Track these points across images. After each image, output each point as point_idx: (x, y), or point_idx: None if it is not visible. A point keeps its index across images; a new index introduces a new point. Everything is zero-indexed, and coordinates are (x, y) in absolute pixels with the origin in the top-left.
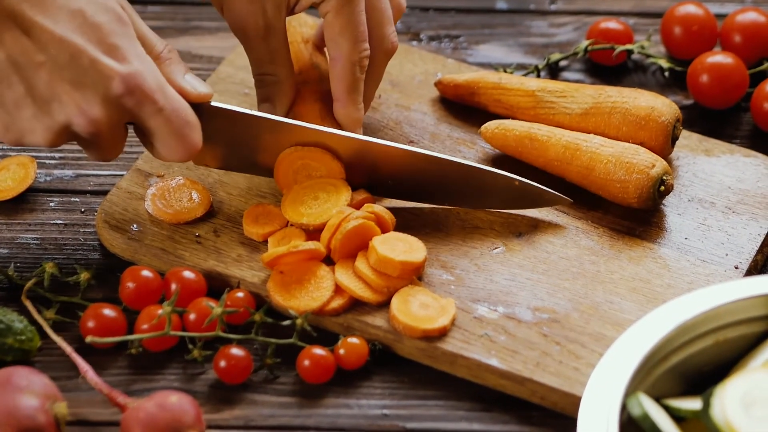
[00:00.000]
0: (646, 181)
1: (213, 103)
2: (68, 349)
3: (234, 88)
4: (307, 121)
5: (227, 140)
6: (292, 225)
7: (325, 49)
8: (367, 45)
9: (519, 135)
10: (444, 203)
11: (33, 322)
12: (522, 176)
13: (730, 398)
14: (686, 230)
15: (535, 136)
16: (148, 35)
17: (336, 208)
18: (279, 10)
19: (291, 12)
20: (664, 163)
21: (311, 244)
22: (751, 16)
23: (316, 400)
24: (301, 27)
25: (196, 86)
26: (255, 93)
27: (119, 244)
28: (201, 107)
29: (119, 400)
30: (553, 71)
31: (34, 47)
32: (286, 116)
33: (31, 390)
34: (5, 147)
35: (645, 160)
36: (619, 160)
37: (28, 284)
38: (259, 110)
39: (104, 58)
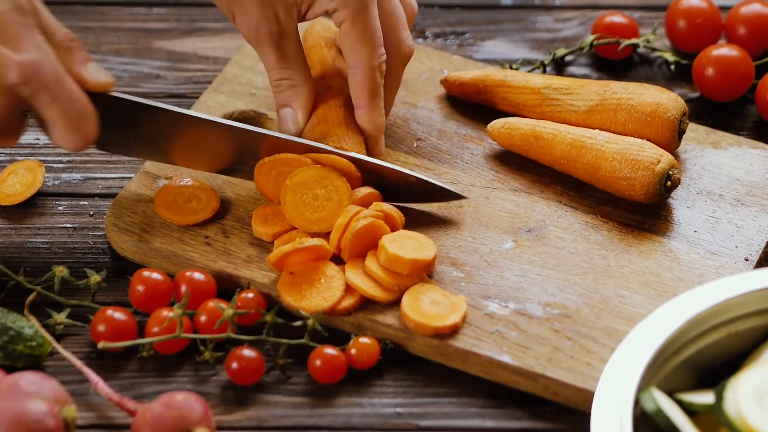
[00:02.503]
0: (652, 178)
1: (113, 93)
2: (78, 363)
3: (240, 89)
4: (329, 127)
5: (129, 128)
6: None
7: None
8: (383, 50)
9: (524, 133)
10: None
11: (42, 326)
12: (530, 172)
13: (743, 391)
14: (695, 223)
15: (541, 134)
16: (50, 23)
17: (344, 205)
18: (290, 15)
19: (302, 19)
20: (670, 157)
21: (316, 241)
22: (755, 7)
23: (328, 400)
24: (325, 32)
25: (96, 75)
26: (261, 93)
27: (129, 247)
28: (101, 96)
29: (129, 406)
30: (559, 66)
31: None
32: (307, 121)
33: (39, 395)
34: (12, 152)
35: (650, 156)
36: (624, 157)
37: (31, 297)
38: (279, 117)
39: (1, 47)
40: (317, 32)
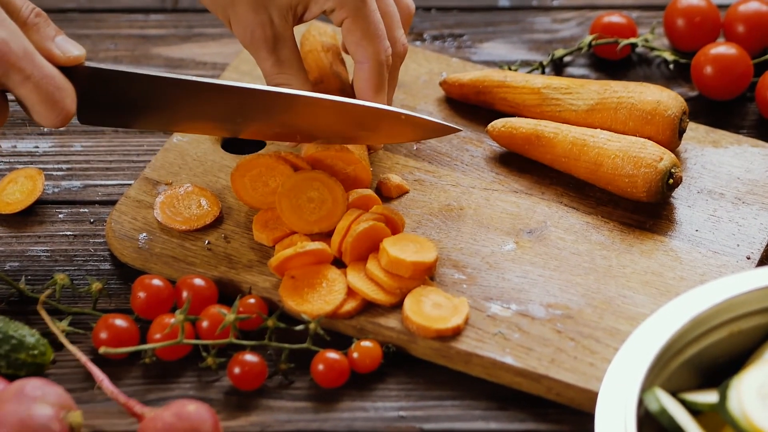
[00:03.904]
0: (654, 175)
1: (88, 64)
2: (84, 358)
3: None
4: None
5: (111, 99)
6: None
7: (346, 56)
8: (388, 43)
9: (525, 133)
10: (352, 142)
11: (45, 334)
12: (530, 173)
13: (747, 390)
14: (697, 222)
15: (542, 133)
16: (13, 1)
17: (340, 206)
18: (285, 19)
19: (299, 21)
20: (672, 155)
21: (317, 244)
22: (753, 5)
23: (331, 404)
24: (321, 36)
25: (67, 49)
26: None
27: (129, 254)
28: (77, 69)
29: (136, 409)
30: (558, 67)
31: None
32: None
33: (44, 400)
34: (12, 160)
35: (652, 154)
36: (626, 155)
37: (44, 294)
38: None
39: None
40: (314, 37)
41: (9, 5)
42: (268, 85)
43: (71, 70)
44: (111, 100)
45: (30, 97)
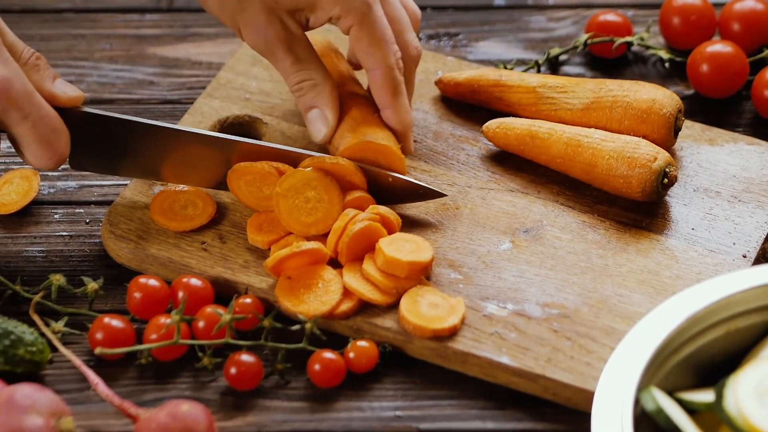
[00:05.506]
0: (649, 175)
1: (85, 109)
2: (78, 362)
3: (235, 94)
4: (370, 131)
5: (104, 145)
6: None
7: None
8: (397, 47)
9: (520, 133)
10: None
11: (43, 334)
12: (526, 172)
13: (744, 388)
14: (693, 220)
15: (537, 133)
16: (15, 43)
17: (336, 207)
18: (295, 21)
19: (306, 28)
20: (667, 155)
21: (313, 244)
22: (749, 4)
23: (328, 404)
24: (331, 45)
25: (66, 90)
26: (255, 98)
27: (125, 254)
28: (73, 113)
29: (131, 411)
30: (554, 66)
31: None
32: (337, 120)
33: (35, 409)
34: (7, 161)
35: (647, 154)
36: (620, 155)
37: (36, 298)
38: (306, 121)
39: None
40: (321, 44)
41: (12, 48)
42: (289, 85)
43: (67, 114)
44: (106, 148)
45: (26, 136)
